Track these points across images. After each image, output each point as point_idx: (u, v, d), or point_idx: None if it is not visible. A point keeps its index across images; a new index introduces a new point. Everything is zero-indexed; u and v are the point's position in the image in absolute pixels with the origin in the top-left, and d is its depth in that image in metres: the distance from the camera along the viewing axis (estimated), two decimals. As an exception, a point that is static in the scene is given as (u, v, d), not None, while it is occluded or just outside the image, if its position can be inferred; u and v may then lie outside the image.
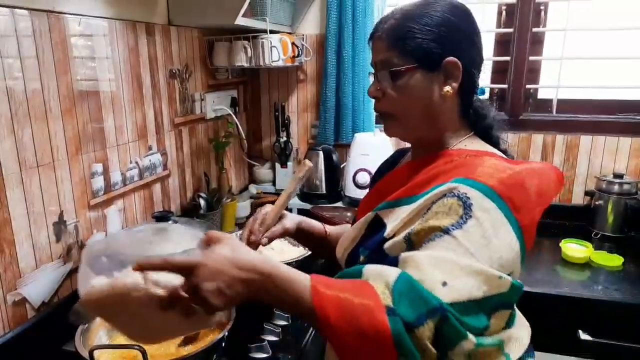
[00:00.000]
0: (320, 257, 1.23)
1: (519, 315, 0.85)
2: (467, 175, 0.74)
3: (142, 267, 0.68)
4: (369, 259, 0.83)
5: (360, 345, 0.65)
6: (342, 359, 0.69)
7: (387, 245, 0.79)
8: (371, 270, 0.73)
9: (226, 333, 0.95)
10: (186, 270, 0.67)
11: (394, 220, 0.81)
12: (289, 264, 1.31)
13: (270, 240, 1.01)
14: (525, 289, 1.39)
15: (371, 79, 0.89)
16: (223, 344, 0.95)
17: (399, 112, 0.85)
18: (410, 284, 0.67)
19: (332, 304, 0.66)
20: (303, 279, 0.69)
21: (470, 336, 0.66)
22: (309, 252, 1.33)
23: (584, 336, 1.37)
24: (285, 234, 1.05)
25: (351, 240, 0.90)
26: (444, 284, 0.66)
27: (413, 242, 0.75)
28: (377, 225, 0.84)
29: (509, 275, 0.71)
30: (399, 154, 1.04)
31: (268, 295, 0.68)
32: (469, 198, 0.71)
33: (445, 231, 0.70)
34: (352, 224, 1.07)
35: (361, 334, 0.64)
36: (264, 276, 0.68)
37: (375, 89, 0.86)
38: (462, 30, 0.83)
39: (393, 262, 0.74)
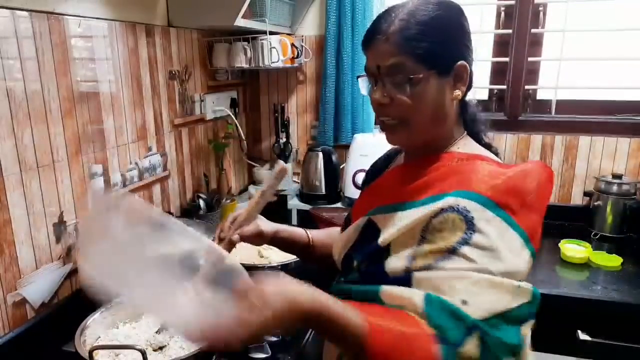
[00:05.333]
0: (307, 262, 1.18)
1: None
2: (464, 187, 0.73)
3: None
4: (363, 266, 0.83)
5: None
6: None
7: (389, 266, 0.76)
8: (389, 292, 0.73)
9: (226, 333, 0.95)
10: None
11: (388, 227, 0.80)
12: (287, 264, 1.31)
13: (243, 238, 0.95)
14: (524, 289, 1.39)
15: (363, 83, 0.85)
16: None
17: (411, 118, 0.80)
18: (441, 304, 0.67)
19: (387, 340, 0.64)
20: (354, 315, 0.65)
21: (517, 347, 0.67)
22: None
23: (582, 336, 1.37)
24: (260, 236, 0.98)
25: (345, 243, 0.90)
26: (464, 302, 0.66)
27: (417, 262, 0.73)
28: (371, 230, 0.83)
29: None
30: (394, 153, 1.02)
31: (320, 326, 0.65)
32: (469, 212, 0.71)
33: (453, 250, 0.70)
34: (344, 224, 1.05)
35: None
36: (320, 305, 0.64)
37: (382, 96, 0.80)
38: (466, 31, 0.82)
39: (393, 280, 0.74)
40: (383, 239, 0.79)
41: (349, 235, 0.89)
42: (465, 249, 0.69)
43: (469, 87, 0.84)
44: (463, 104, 0.85)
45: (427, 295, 0.69)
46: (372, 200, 0.87)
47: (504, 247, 0.70)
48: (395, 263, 0.76)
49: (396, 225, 0.78)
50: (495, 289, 0.67)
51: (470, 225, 0.70)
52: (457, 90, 0.80)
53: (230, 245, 0.94)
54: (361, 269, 0.83)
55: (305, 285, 0.66)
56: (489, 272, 0.68)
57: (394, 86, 0.78)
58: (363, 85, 0.86)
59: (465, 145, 0.85)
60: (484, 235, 0.69)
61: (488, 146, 0.88)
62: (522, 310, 0.69)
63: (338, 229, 1.11)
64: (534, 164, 0.78)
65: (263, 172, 2.15)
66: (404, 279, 0.74)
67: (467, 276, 0.68)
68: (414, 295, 0.69)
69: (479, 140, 0.88)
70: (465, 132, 0.87)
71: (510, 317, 0.68)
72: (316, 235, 1.08)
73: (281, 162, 1.02)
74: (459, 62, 0.79)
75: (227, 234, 0.94)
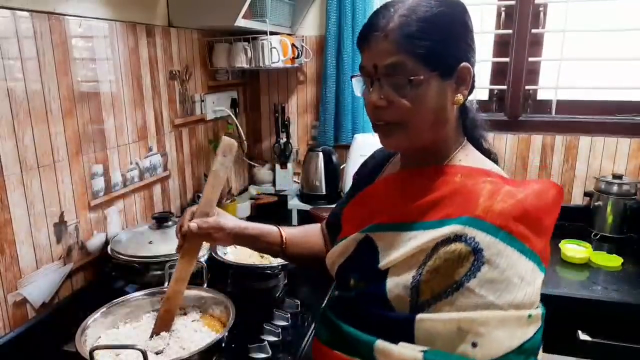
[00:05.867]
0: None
1: None
2: (472, 213, 0.69)
3: None
4: (361, 285, 0.79)
5: None
6: None
7: (391, 293, 0.73)
8: (386, 352, 0.70)
9: (226, 333, 0.95)
10: None
11: (389, 249, 0.76)
12: (286, 264, 1.30)
13: (201, 228, 0.90)
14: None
15: (357, 83, 0.80)
16: (223, 344, 0.96)
17: (410, 122, 0.75)
18: None
19: None
20: None
21: None
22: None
23: (583, 336, 1.37)
24: (221, 230, 0.92)
25: (339, 255, 0.86)
26: (474, 344, 0.65)
27: (422, 292, 0.70)
28: (368, 247, 0.79)
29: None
30: (388, 153, 0.97)
31: None
32: (478, 243, 0.67)
33: (460, 284, 0.67)
34: (330, 220, 1.03)
35: None
36: None
37: (378, 98, 0.74)
38: (469, 30, 0.76)
39: (395, 319, 0.72)
40: (384, 263, 0.75)
41: (345, 246, 0.85)
42: (473, 283, 0.66)
43: (471, 90, 0.79)
44: (463, 108, 0.81)
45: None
46: (370, 211, 0.83)
47: (516, 277, 0.67)
48: (398, 290, 0.72)
49: (399, 249, 0.74)
50: (506, 325, 0.65)
51: (478, 256, 0.67)
52: (459, 94, 0.75)
53: (192, 251, 0.93)
54: (358, 289, 0.80)
55: None
56: (498, 307, 0.65)
57: (392, 87, 0.73)
58: (357, 85, 0.80)
59: (468, 157, 0.80)
60: (493, 267, 0.66)
61: (488, 152, 0.85)
62: (535, 338, 0.67)
63: (316, 226, 1.09)
64: (543, 183, 0.75)
65: (263, 172, 2.15)
66: (407, 319, 0.70)
67: (475, 317, 0.65)
68: None
69: (479, 146, 0.84)
70: (465, 138, 0.83)
71: (526, 350, 0.66)
72: (291, 233, 1.02)
73: (225, 138, 0.93)
74: (462, 64, 0.74)
75: (186, 228, 0.91)
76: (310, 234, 1.07)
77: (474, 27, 0.78)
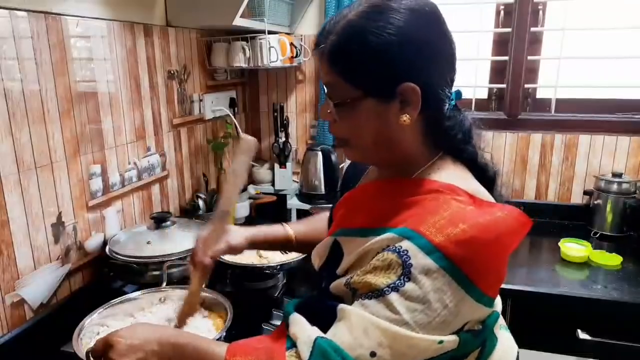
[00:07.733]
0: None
1: (502, 337, 0.78)
2: (414, 226, 0.66)
3: None
4: (326, 289, 0.79)
5: None
6: None
7: (332, 285, 0.74)
8: (292, 322, 0.73)
9: (224, 333, 0.95)
10: (101, 349, 0.75)
11: (348, 254, 0.75)
12: (285, 264, 1.31)
13: (214, 258, 0.95)
14: (525, 288, 1.41)
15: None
16: (221, 345, 0.95)
17: (350, 141, 0.76)
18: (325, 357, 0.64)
19: None
20: (217, 351, 0.71)
21: None
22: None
23: (582, 335, 1.37)
24: (233, 251, 0.98)
25: (319, 256, 0.85)
26: (372, 354, 0.63)
27: (355, 291, 0.70)
28: (337, 251, 0.78)
29: (464, 325, 0.66)
30: None
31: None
32: (409, 257, 0.64)
33: (381, 292, 0.64)
34: (329, 216, 1.03)
35: None
36: (177, 347, 0.73)
37: (325, 112, 0.75)
38: (423, 43, 0.69)
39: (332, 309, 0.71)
40: (341, 268, 0.75)
41: (322, 248, 0.84)
42: (393, 297, 0.63)
43: (439, 106, 0.73)
44: (433, 123, 0.74)
45: (318, 344, 0.66)
46: (345, 216, 0.83)
47: (438, 302, 0.63)
48: (336, 286, 0.74)
49: (352, 253, 0.73)
50: (413, 348, 0.63)
51: (406, 271, 0.63)
52: (404, 116, 0.70)
53: (204, 271, 0.94)
54: (328, 293, 0.79)
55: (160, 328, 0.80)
56: (410, 328, 0.63)
57: (334, 105, 0.73)
58: None
59: (440, 171, 0.75)
60: (417, 285, 0.63)
61: (483, 168, 0.79)
62: (441, 358, 0.65)
63: (323, 215, 1.08)
64: (509, 211, 0.68)
65: (262, 172, 2.14)
66: (335, 308, 0.70)
67: (386, 327, 0.63)
68: (305, 341, 0.67)
69: (473, 161, 0.78)
70: (442, 151, 0.77)
71: None
72: (297, 229, 1.04)
73: (245, 137, 0.94)
74: (404, 85, 0.68)
75: (200, 258, 0.93)
76: (319, 225, 1.06)
77: (446, 38, 0.72)
